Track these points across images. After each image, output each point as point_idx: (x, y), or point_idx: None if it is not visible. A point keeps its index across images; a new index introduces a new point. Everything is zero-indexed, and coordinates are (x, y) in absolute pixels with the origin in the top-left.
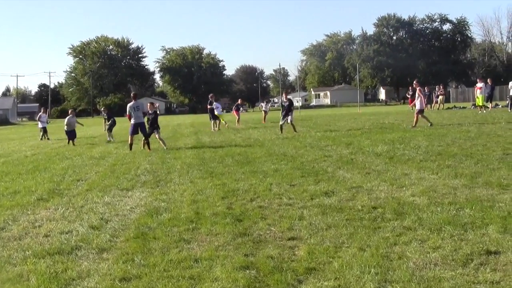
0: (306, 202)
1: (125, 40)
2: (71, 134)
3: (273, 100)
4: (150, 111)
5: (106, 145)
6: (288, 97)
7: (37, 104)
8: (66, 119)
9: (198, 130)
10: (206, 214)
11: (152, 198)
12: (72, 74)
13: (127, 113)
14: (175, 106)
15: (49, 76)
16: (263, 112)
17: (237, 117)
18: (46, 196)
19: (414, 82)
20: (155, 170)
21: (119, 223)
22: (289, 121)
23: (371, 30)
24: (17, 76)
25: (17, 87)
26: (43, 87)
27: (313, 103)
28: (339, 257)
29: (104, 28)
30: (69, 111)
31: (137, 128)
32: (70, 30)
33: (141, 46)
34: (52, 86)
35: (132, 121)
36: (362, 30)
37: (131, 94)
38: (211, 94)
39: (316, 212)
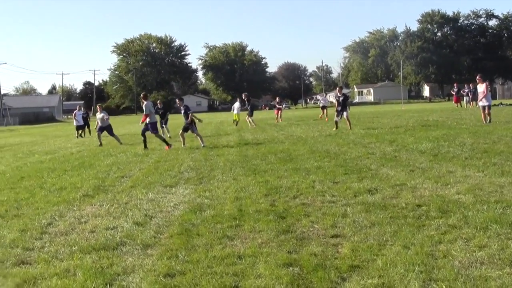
0: (350, 200)
1: (168, 38)
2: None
3: (316, 97)
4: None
5: (151, 143)
6: (343, 92)
7: (82, 102)
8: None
9: (241, 128)
10: (249, 211)
11: (196, 195)
12: (116, 72)
13: (147, 112)
14: (217, 104)
15: (94, 74)
16: (321, 107)
17: (278, 115)
18: (91, 193)
19: (478, 77)
20: (198, 167)
21: (163, 220)
22: (345, 116)
23: (415, 27)
24: (62, 74)
25: (62, 85)
26: (88, 84)
27: (356, 100)
28: (383, 255)
29: (148, 26)
30: (97, 107)
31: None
32: (115, 28)
33: (184, 44)
34: (96, 83)
35: (153, 119)
36: (406, 26)
37: (141, 94)
38: (245, 93)
39: (360, 210)
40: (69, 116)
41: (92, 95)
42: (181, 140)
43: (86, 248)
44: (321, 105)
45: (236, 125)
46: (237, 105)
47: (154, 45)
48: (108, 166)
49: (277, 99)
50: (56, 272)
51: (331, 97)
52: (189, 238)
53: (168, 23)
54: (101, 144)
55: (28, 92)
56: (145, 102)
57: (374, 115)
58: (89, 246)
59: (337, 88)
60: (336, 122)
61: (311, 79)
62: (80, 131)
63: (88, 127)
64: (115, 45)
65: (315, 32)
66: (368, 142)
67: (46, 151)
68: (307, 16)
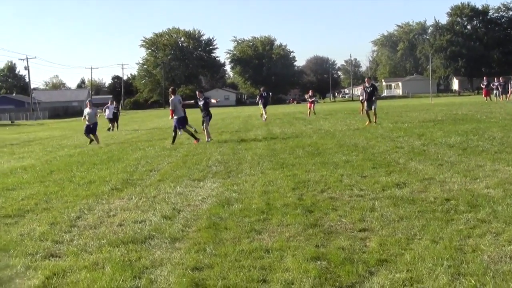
0: (378, 194)
1: (197, 32)
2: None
3: (344, 91)
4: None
5: (178, 136)
6: (372, 82)
7: (111, 96)
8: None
9: (269, 121)
10: (277, 205)
11: (224, 188)
12: (145, 66)
13: (172, 108)
14: (245, 97)
15: (122, 68)
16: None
17: (310, 109)
18: (120, 186)
19: None
20: (226, 161)
21: (191, 213)
22: (372, 108)
23: (444, 20)
24: (91, 68)
25: (91, 79)
26: (117, 79)
27: (384, 93)
28: (411, 249)
29: (176, 20)
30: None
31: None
32: (143, 23)
33: (212, 38)
34: (125, 78)
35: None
36: (435, 19)
37: (170, 89)
38: (262, 88)
39: (388, 204)
40: (98, 110)
41: (121, 89)
42: (205, 134)
43: (114, 242)
44: (360, 98)
45: (261, 117)
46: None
47: (182, 39)
48: (137, 160)
49: (310, 92)
50: (85, 265)
51: (359, 90)
52: (217, 232)
53: (197, 17)
54: (91, 141)
55: (58, 86)
56: (172, 97)
57: (402, 109)
58: (117, 239)
59: (366, 79)
60: (368, 113)
61: (339, 72)
62: (109, 125)
63: (117, 121)
64: (144, 39)
65: (344, 25)
66: (397, 136)
67: (75, 145)
68: (335, 10)
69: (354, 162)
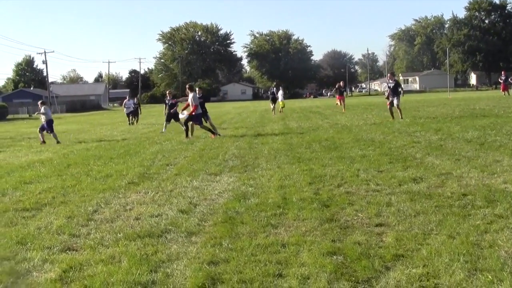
0: (394, 188)
1: (214, 26)
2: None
3: (361, 86)
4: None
5: (195, 131)
6: (395, 78)
7: (128, 90)
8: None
9: (285, 116)
10: (293, 199)
11: (240, 183)
12: (162, 60)
13: (196, 103)
14: (262, 92)
15: (139, 62)
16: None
17: (341, 102)
18: (136, 180)
19: None
20: (242, 155)
21: (207, 208)
22: (395, 104)
23: (461, 14)
24: (108, 62)
25: (108, 73)
26: (134, 73)
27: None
28: (428, 244)
29: (193, 14)
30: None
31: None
32: (160, 17)
33: (230, 32)
34: (142, 72)
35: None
36: (453, 14)
37: (187, 86)
38: (275, 83)
39: (404, 199)
40: (115, 104)
41: (138, 83)
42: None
43: (131, 235)
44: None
45: (280, 112)
46: (281, 92)
47: (199, 33)
48: (153, 154)
49: (341, 83)
50: (101, 259)
51: (376, 85)
52: (233, 226)
53: (214, 11)
54: (43, 142)
55: (75, 80)
56: (191, 94)
57: (419, 104)
58: (134, 233)
59: (388, 75)
60: (391, 110)
61: (356, 67)
62: (130, 119)
63: (137, 116)
64: (161, 33)
65: (361, 19)
66: (414, 131)
67: (92, 139)
68: (353, 4)
69: (371, 156)
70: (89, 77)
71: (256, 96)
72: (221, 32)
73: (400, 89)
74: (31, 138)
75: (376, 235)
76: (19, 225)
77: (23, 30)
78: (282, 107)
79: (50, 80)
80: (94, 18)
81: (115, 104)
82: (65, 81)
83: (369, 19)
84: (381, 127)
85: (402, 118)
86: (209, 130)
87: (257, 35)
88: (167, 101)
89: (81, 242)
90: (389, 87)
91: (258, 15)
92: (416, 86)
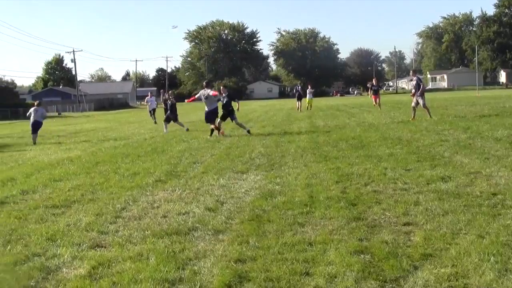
0: (422, 187)
1: (240, 25)
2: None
3: (388, 84)
4: (223, 95)
5: (222, 129)
6: (416, 75)
7: (155, 88)
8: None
9: (312, 114)
10: (320, 197)
11: (267, 181)
12: (188, 59)
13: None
14: (288, 90)
15: (166, 60)
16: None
17: (376, 101)
18: (164, 178)
19: None
20: (269, 153)
21: (234, 206)
22: (421, 104)
23: (491, 11)
24: (136, 61)
25: (136, 72)
26: (161, 71)
27: (429, 86)
28: (457, 244)
29: (219, 13)
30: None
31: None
32: (187, 15)
33: (256, 30)
34: (169, 70)
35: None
36: (482, 11)
37: (204, 83)
38: (300, 82)
39: (432, 198)
40: (143, 103)
41: (165, 82)
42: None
43: (158, 233)
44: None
45: (309, 109)
46: (309, 90)
47: (226, 31)
48: (180, 152)
49: (374, 81)
50: (129, 256)
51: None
52: (260, 224)
53: (240, 9)
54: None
55: (103, 78)
56: (208, 90)
57: (447, 102)
58: (161, 230)
59: (411, 72)
60: (414, 109)
61: (383, 65)
62: (154, 117)
63: (175, 113)
64: (188, 32)
65: (388, 17)
66: (442, 129)
67: (120, 137)
68: (380, 2)
69: (398, 155)
70: (117, 76)
71: (283, 94)
72: (248, 30)
73: (420, 87)
74: (60, 136)
75: (404, 234)
76: (49, 221)
77: (53, 30)
78: (309, 105)
79: (78, 78)
80: (122, 17)
81: (142, 103)
82: (93, 80)
83: (396, 17)
84: (409, 125)
85: (430, 117)
86: (216, 129)
87: (283, 33)
88: (169, 102)
89: (110, 239)
90: (413, 84)
91: (285, 13)
92: (444, 84)
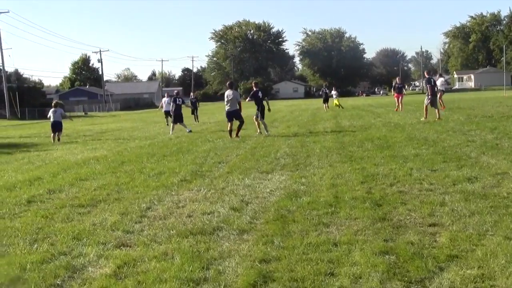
0: (448, 188)
1: (266, 24)
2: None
3: (415, 84)
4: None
5: (247, 129)
6: (429, 76)
7: (181, 88)
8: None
9: (338, 114)
10: (345, 198)
11: (292, 181)
12: (214, 59)
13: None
14: (314, 90)
15: (192, 60)
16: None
17: (398, 99)
18: (189, 178)
19: None
20: (294, 153)
21: (259, 206)
22: (431, 103)
23: None
24: (162, 60)
25: (162, 72)
26: (187, 71)
27: (456, 86)
28: (483, 245)
29: (246, 12)
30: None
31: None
32: (213, 15)
33: (282, 30)
34: (195, 70)
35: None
36: (510, 10)
37: (227, 84)
38: (326, 83)
39: (459, 198)
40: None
41: (191, 82)
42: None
43: (183, 232)
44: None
45: (340, 107)
46: (334, 92)
47: (252, 31)
48: (206, 152)
49: (397, 79)
50: (154, 255)
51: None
52: (284, 224)
53: (266, 9)
54: (54, 141)
55: (129, 78)
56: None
57: (474, 102)
58: (186, 230)
59: (425, 72)
60: (426, 109)
61: (410, 65)
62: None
63: (196, 112)
64: (214, 31)
65: (415, 17)
66: (468, 130)
67: (145, 137)
68: (406, 1)
69: (424, 155)
70: (143, 76)
71: (308, 94)
72: (273, 30)
73: (435, 88)
74: (86, 136)
75: (430, 235)
76: (75, 221)
77: (80, 30)
78: (338, 105)
79: (105, 78)
80: (148, 17)
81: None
82: (119, 80)
83: (423, 16)
84: (435, 125)
85: (439, 118)
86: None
87: (309, 33)
88: (178, 101)
89: (135, 239)
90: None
91: (310, 13)
92: (471, 84)
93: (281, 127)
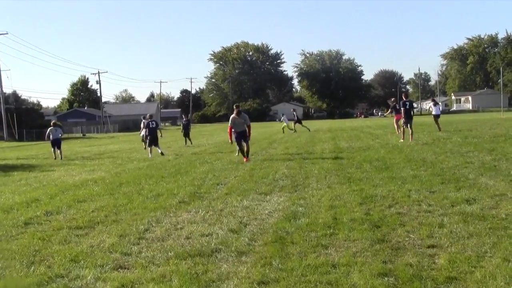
0: (447, 209)
1: (265, 46)
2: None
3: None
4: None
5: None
6: (405, 99)
7: (179, 109)
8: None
9: (336, 136)
10: (344, 219)
11: (290, 202)
12: (213, 80)
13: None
14: (312, 111)
15: (191, 82)
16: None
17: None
18: (187, 199)
19: None
20: (292, 175)
21: (257, 227)
22: (409, 126)
23: None
24: (160, 82)
25: (160, 93)
26: (185, 92)
27: (454, 108)
28: (482, 267)
29: (244, 34)
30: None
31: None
32: (211, 37)
33: (280, 52)
34: (193, 91)
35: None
36: (507, 32)
37: (234, 106)
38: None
39: (457, 220)
40: (167, 124)
41: (189, 103)
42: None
43: (181, 254)
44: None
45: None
46: (285, 117)
47: (251, 53)
48: (204, 173)
49: (393, 100)
50: (152, 277)
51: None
52: (283, 246)
53: (264, 31)
54: (55, 158)
55: (127, 100)
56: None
57: (472, 123)
58: (184, 252)
59: (403, 94)
60: (403, 132)
61: (408, 86)
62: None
63: (188, 136)
64: (212, 53)
65: (412, 39)
66: (466, 151)
67: (144, 158)
68: (404, 23)
69: (423, 177)
70: (141, 97)
71: (307, 116)
72: (272, 51)
73: (406, 108)
74: (84, 157)
75: (428, 256)
76: (73, 243)
77: (79, 51)
78: (287, 128)
79: (103, 100)
80: (146, 38)
81: (166, 124)
82: (117, 101)
83: (420, 38)
84: (433, 147)
85: (403, 139)
86: (242, 151)
87: (307, 54)
88: (151, 124)
89: (133, 261)
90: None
91: (309, 35)
92: (469, 106)
93: (280, 148)
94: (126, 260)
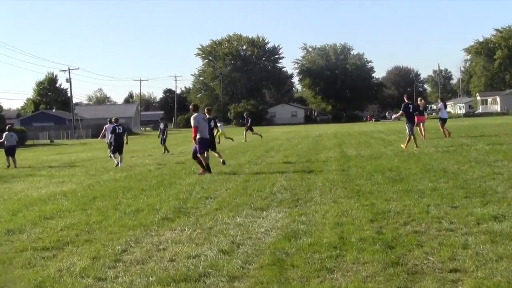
0: (471, 228)
1: (260, 39)
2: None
3: (431, 107)
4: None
5: (239, 159)
6: (407, 102)
7: (162, 112)
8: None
9: (343, 142)
10: (352, 239)
11: (290, 219)
12: (201, 78)
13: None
14: (316, 114)
15: (175, 80)
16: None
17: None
18: (171, 216)
19: None
20: (293, 187)
21: (252, 248)
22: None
23: None
24: (140, 80)
25: (140, 93)
26: (169, 92)
27: (479, 110)
28: None
29: (237, 26)
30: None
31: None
32: (199, 29)
33: (278, 46)
34: (178, 91)
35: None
36: None
37: (191, 106)
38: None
39: (484, 240)
40: (147, 128)
41: (173, 104)
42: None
43: (164, 279)
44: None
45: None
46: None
47: (244, 47)
48: (191, 186)
49: (419, 101)
50: None
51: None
52: (282, 270)
53: (260, 22)
54: (9, 166)
55: (102, 101)
56: (194, 114)
57: (500, 128)
58: (168, 276)
59: (405, 96)
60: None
61: (425, 85)
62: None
63: (164, 142)
64: (200, 47)
65: (431, 31)
66: (494, 160)
67: (121, 168)
68: (421, 13)
69: (443, 190)
70: (118, 98)
71: (309, 119)
72: (269, 45)
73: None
74: (52, 167)
75: (451, 282)
76: (38, 266)
77: (45, 46)
78: (224, 137)
79: (74, 101)
80: (123, 31)
81: (147, 128)
82: (91, 102)
83: (440, 30)
84: (455, 155)
85: (405, 146)
86: (201, 163)
87: (310, 49)
88: (117, 129)
89: (108, 287)
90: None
91: (311, 26)
92: (497, 108)
93: (278, 156)
94: (101, 286)
